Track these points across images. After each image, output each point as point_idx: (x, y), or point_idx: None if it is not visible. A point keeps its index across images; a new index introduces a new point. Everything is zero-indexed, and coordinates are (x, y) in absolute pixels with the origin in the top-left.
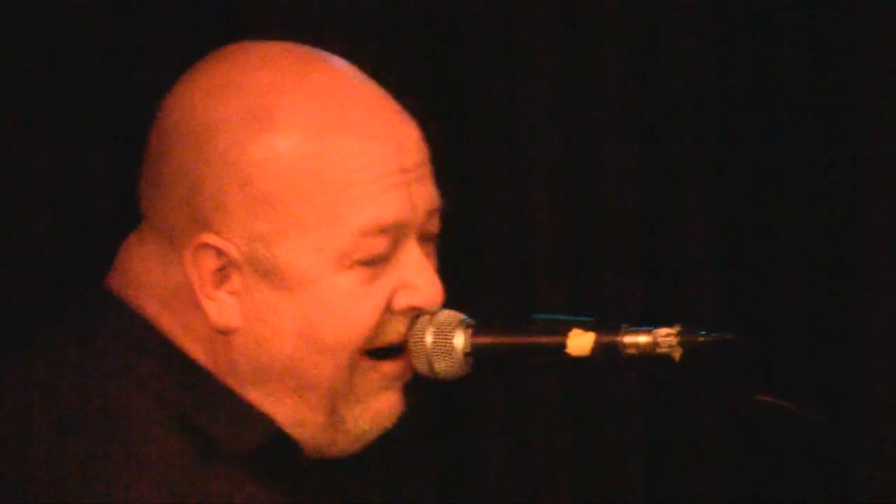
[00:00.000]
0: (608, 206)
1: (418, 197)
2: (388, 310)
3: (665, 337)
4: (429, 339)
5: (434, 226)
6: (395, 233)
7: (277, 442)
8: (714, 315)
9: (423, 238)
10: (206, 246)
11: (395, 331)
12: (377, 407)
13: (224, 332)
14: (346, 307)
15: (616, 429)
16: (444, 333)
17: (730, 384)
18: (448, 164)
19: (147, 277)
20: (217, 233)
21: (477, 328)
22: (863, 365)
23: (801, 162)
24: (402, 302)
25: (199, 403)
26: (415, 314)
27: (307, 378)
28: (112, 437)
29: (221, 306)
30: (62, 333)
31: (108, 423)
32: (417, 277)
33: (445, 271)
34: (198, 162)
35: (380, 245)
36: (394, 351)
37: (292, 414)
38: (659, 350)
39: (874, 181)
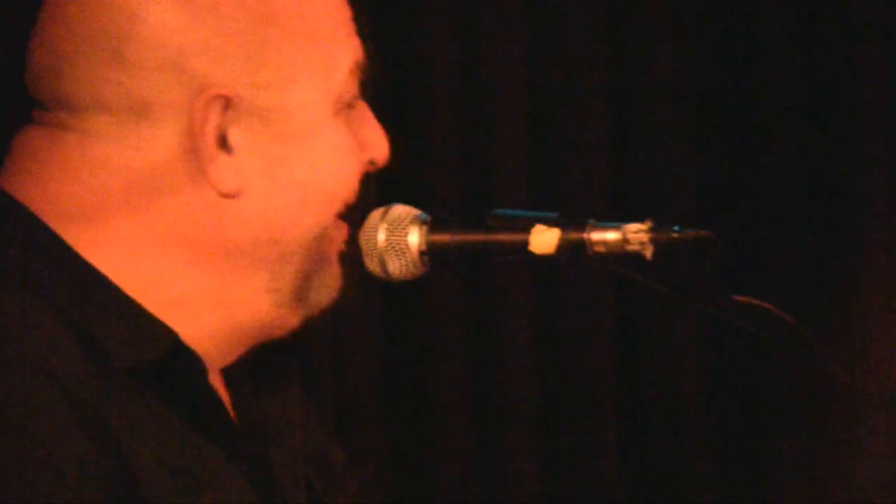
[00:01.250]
0: (574, 85)
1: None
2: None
3: (635, 233)
4: (381, 236)
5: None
6: (360, 74)
7: (176, 356)
8: (688, 211)
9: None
10: (212, 99)
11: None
12: (335, 276)
13: (226, 199)
14: (346, 154)
15: (585, 333)
16: (397, 230)
17: (705, 284)
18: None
19: (63, 175)
20: (221, 87)
21: (433, 225)
22: (845, 263)
23: (783, 46)
24: (367, 154)
25: (98, 314)
26: (370, 170)
27: (304, 235)
28: (4, 349)
29: (222, 168)
30: None
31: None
32: (372, 130)
33: (399, 163)
34: (183, 18)
35: (354, 86)
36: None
37: (271, 279)
38: (629, 247)
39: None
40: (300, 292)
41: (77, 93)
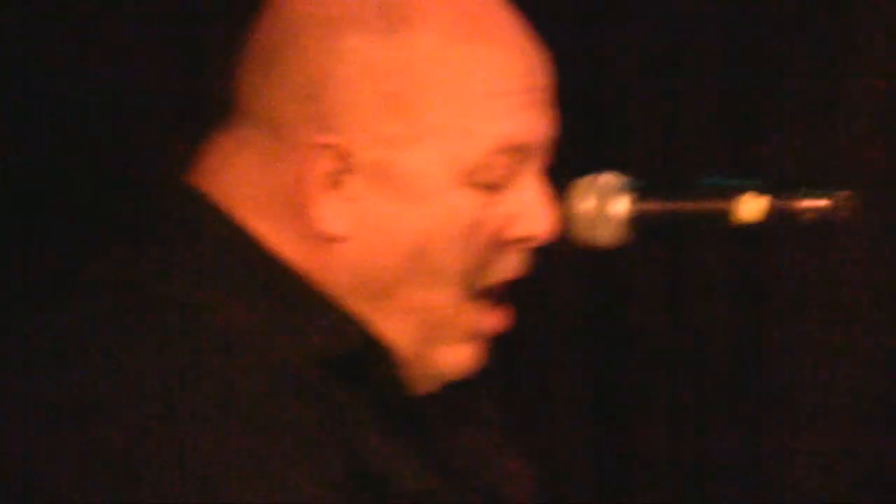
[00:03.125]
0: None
1: (545, 121)
2: (499, 240)
3: (846, 200)
4: (589, 203)
5: (548, 158)
6: (520, 155)
7: (368, 349)
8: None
9: (541, 168)
10: (328, 146)
11: (505, 267)
12: (464, 352)
13: (330, 240)
14: (467, 230)
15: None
16: (605, 197)
17: None
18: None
19: (243, 178)
20: (341, 132)
21: (641, 192)
22: None
23: None
24: (514, 233)
25: (283, 301)
26: (527, 248)
27: (411, 301)
28: (209, 347)
29: (332, 212)
30: (146, 235)
31: (203, 330)
32: (537, 206)
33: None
34: (326, 56)
35: (504, 166)
36: (497, 297)
37: (383, 335)
38: (838, 214)
39: None
40: (419, 356)
41: (263, 112)
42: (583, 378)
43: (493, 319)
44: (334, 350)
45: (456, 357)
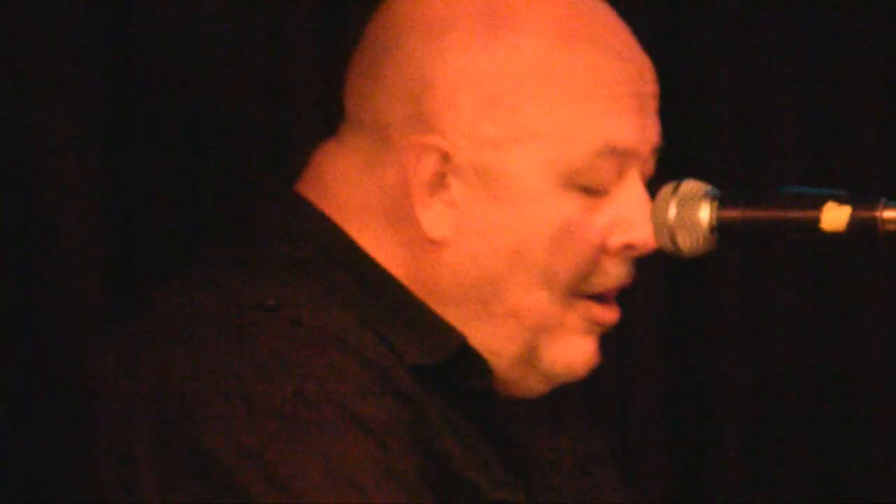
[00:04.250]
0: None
1: (650, 127)
2: (602, 246)
3: None
4: (672, 211)
5: (652, 167)
6: (623, 161)
7: (465, 357)
8: None
9: (644, 176)
10: (431, 148)
11: (609, 273)
12: (577, 351)
13: (433, 244)
14: (568, 233)
15: (865, 308)
16: (688, 205)
17: None
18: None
19: (344, 184)
20: (443, 134)
21: (723, 200)
22: None
23: None
24: (617, 240)
25: (381, 308)
26: (630, 256)
27: (513, 304)
28: (300, 341)
29: (436, 214)
30: (253, 241)
31: (297, 330)
32: (637, 214)
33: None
34: (431, 57)
35: (607, 170)
36: (604, 298)
37: (487, 341)
38: None
39: None
40: (527, 359)
41: (369, 117)
42: (660, 377)
43: (603, 313)
44: (428, 358)
45: (567, 355)
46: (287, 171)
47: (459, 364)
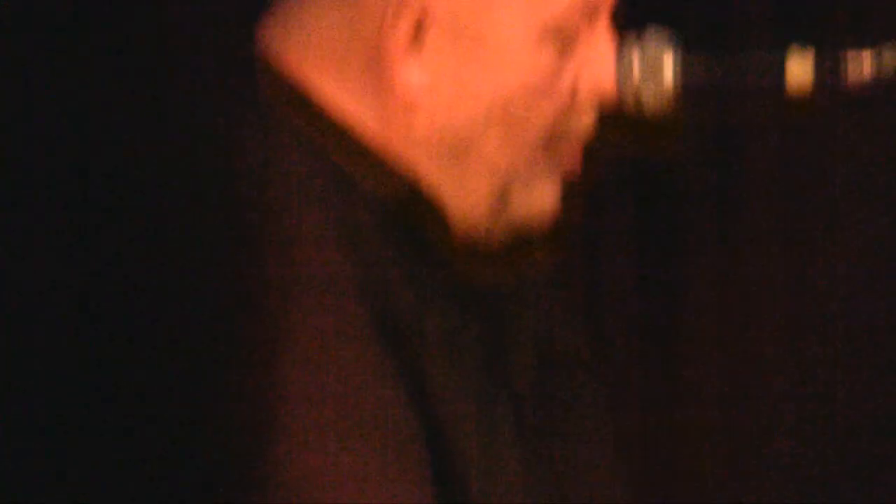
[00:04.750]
0: None
1: None
2: (572, 96)
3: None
4: (636, 56)
5: (611, 13)
6: (593, 10)
7: (416, 199)
8: None
9: (608, 23)
10: (409, 2)
11: (577, 123)
12: (544, 197)
13: (409, 98)
14: (543, 85)
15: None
16: (651, 51)
17: None
18: None
19: (317, 35)
20: None
21: (687, 48)
22: None
23: None
24: (587, 84)
25: (340, 149)
26: (596, 106)
27: (487, 156)
28: (274, 192)
29: (412, 70)
30: (208, 89)
31: (269, 180)
32: (608, 59)
33: None
34: None
35: (580, 20)
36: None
37: (457, 191)
38: (888, 66)
39: None
40: (495, 208)
41: None
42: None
43: (570, 161)
44: (383, 197)
45: (535, 202)
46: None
47: (416, 207)
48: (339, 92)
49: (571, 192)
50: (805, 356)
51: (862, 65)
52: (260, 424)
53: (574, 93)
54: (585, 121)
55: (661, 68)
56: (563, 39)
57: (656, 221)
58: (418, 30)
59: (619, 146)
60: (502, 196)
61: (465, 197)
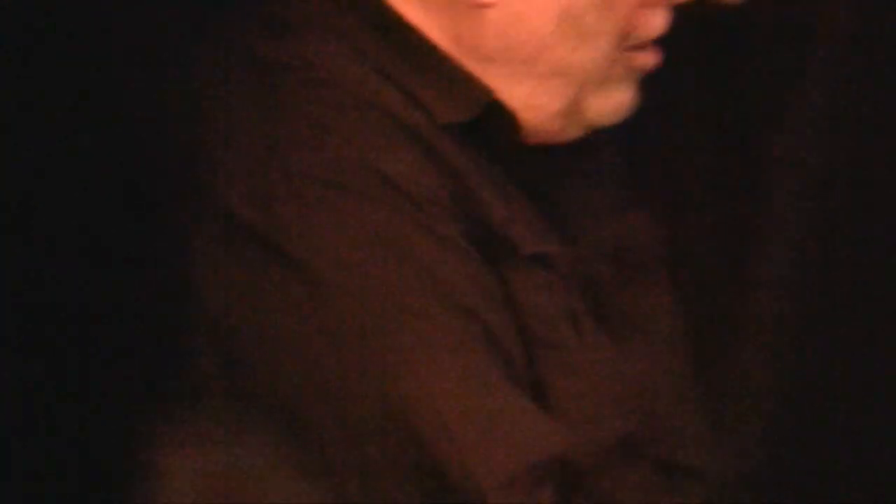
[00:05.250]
0: None
1: None
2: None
3: None
4: None
5: None
6: None
7: (493, 114)
8: None
9: None
10: None
11: (649, 24)
12: (618, 99)
13: (479, 5)
14: None
15: None
16: None
17: None
18: None
19: None
20: None
21: None
22: None
23: None
24: None
25: (410, 68)
26: (668, 5)
27: (559, 63)
28: (334, 105)
29: None
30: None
31: (329, 92)
32: None
33: None
34: None
35: None
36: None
37: (529, 98)
38: None
39: None
40: (568, 112)
41: None
42: None
43: (645, 59)
44: (458, 115)
45: (609, 104)
46: None
47: (489, 121)
48: (414, 13)
49: (645, 92)
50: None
51: None
52: (366, 341)
53: None
54: (658, 21)
55: None
56: None
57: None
58: None
59: (693, 40)
60: (576, 103)
61: (540, 107)
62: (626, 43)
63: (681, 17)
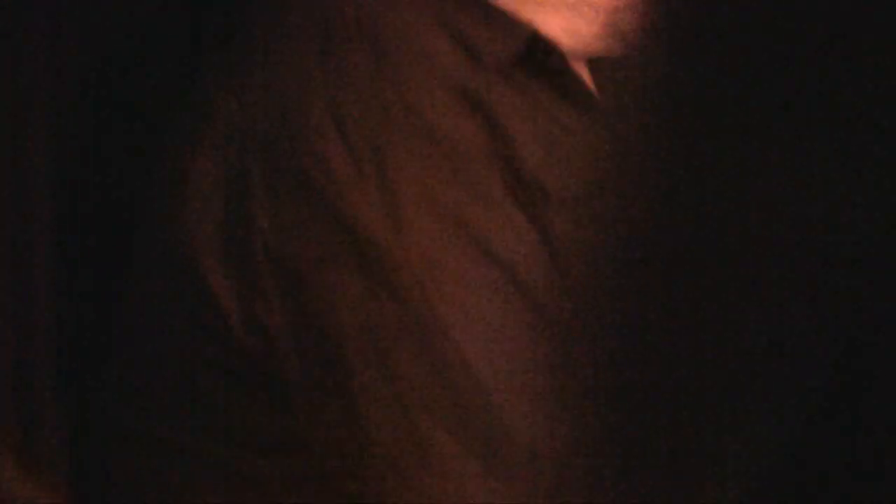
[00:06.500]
0: None
1: None
2: None
3: None
4: None
5: None
6: None
7: (536, 45)
8: None
9: None
10: None
11: None
12: None
13: None
14: None
15: None
16: None
17: None
18: None
19: None
20: None
21: None
22: None
23: None
24: None
25: (468, 16)
26: None
27: None
28: (380, 36)
29: None
30: None
31: (375, 24)
32: None
33: None
34: None
35: None
36: None
37: (567, 24)
38: None
39: None
40: (605, 32)
41: None
42: None
43: None
44: (505, 49)
45: None
46: None
47: (534, 49)
48: None
49: None
50: None
51: None
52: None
53: None
54: None
55: None
56: None
57: None
58: None
59: None
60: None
61: (577, 32)
62: None
63: None
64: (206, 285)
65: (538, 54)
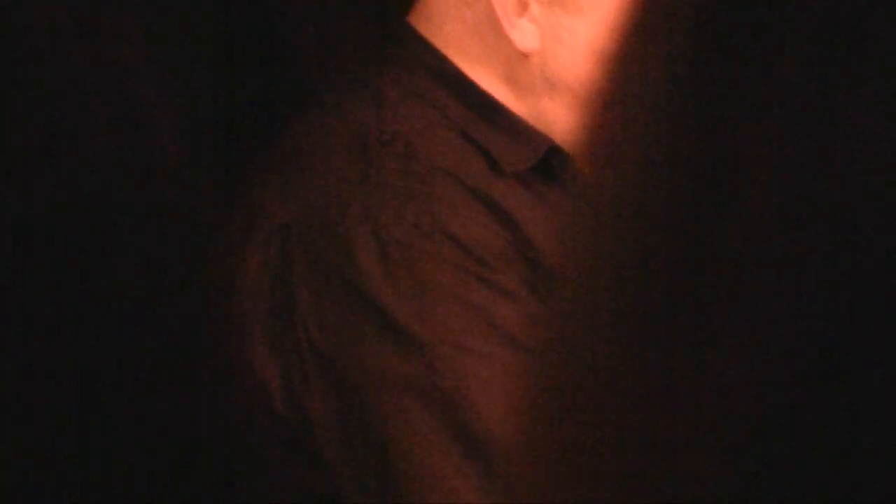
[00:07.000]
0: None
1: None
2: None
3: None
4: None
5: None
6: None
7: (553, 155)
8: None
9: None
10: None
11: None
12: None
13: (525, 55)
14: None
15: None
16: None
17: None
18: None
19: (445, 14)
20: None
21: None
22: None
23: None
24: None
25: (483, 123)
26: None
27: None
28: (415, 176)
29: (524, 32)
30: (376, 68)
31: (407, 142)
32: None
33: None
34: None
35: None
36: None
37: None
38: None
39: None
40: None
41: None
42: None
43: None
44: (524, 163)
45: None
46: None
47: (550, 161)
48: (473, 70)
49: None
50: None
51: None
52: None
53: None
54: None
55: None
56: None
57: None
58: (522, 1)
59: None
60: None
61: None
62: None
63: None
64: (252, 365)
65: (555, 164)
